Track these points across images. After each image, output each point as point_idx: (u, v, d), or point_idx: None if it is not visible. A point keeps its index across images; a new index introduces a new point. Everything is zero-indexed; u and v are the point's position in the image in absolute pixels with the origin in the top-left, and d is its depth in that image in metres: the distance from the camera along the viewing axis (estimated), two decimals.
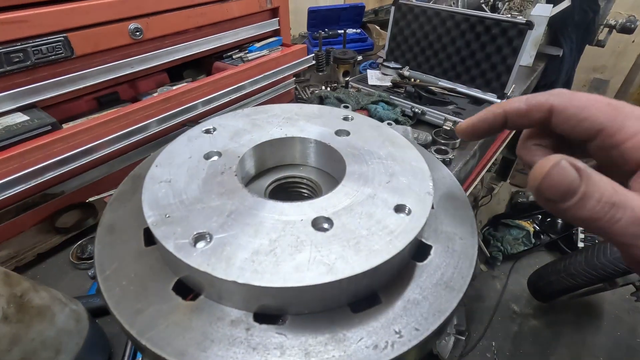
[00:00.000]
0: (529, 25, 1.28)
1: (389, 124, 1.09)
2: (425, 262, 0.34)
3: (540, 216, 3.21)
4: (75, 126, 0.82)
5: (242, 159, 0.40)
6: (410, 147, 0.42)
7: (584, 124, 0.28)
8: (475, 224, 0.38)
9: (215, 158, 0.40)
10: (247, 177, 0.43)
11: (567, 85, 2.17)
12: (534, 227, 3.10)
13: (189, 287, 0.32)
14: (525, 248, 2.98)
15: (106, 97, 1.03)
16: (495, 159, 3.04)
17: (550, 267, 2.23)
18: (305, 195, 0.45)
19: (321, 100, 1.39)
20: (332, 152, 0.42)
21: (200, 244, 0.30)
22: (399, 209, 0.34)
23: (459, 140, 1.25)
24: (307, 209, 0.33)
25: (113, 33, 0.91)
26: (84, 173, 0.92)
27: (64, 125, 0.92)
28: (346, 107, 1.15)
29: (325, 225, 0.32)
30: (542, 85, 2.08)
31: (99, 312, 0.71)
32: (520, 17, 1.31)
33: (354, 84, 1.55)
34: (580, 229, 3.01)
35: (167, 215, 0.32)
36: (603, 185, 0.22)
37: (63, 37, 0.83)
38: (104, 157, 0.90)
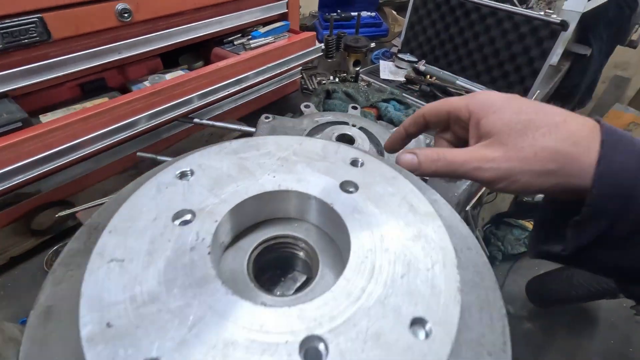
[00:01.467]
0: (564, 26, 1.15)
1: None
2: None
3: None
4: (52, 122, 0.73)
5: (220, 224, 0.31)
6: (433, 217, 0.33)
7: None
8: (508, 329, 0.30)
9: (187, 217, 0.32)
10: (225, 243, 0.35)
11: (591, 88, 2.03)
12: None
13: None
14: (526, 249, 2.93)
15: (91, 84, 0.93)
16: None
17: (552, 275, 2.18)
18: (301, 257, 0.37)
19: (328, 95, 1.29)
20: (335, 217, 0.34)
21: None
22: (416, 324, 0.26)
23: None
24: (295, 322, 0.25)
25: (97, 14, 0.80)
26: (63, 170, 0.84)
27: (42, 116, 0.83)
28: (355, 107, 1.05)
29: (320, 348, 0.24)
30: (565, 86, 1.94)
31: None
32: (554, 15, 1.18)
33: (365, 77, 1.44)
34: None
35: (109, 324, 0.24)
36: (429, 155, 0.40)
37: (37, 18, 0.72)
38: (88, 155, 0.82)
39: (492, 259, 2.82)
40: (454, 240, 0.34)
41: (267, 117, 0.92)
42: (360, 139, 0.83)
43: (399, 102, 1.29)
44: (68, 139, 0.74)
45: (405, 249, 0.31)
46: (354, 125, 0.89)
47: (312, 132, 0.87)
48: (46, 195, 0.84)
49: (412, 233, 0.32)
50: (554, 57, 1.81)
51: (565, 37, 1.73)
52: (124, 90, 0.95)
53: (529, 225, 2.90)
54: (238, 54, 1.07)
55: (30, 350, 0.27)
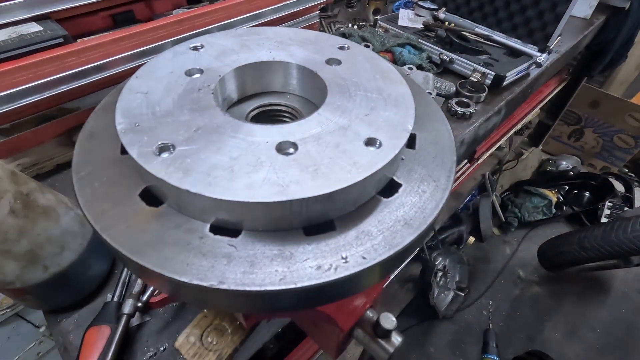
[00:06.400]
0: None
1: (409, 68, 1.02)
2: (390, 198, 0.33)
3: (567, 187, 3.06)
4: (87, 41, 0.82)
5: (222, 79, 0.39)
6: (401, 82, 0.39)
7: None
8: (454, 169, 0.37)
9: (196, 75, 0.39)
10: (229, 100, 0.42)
11: (627, 47, 1.92)
12: (557, 198, 2.97)
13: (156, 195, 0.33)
14: (544, 217, 2.89)
15: (121, 15, 1.01)
16: (530, 122, 2.84)
17: (564, 238, 2.18)
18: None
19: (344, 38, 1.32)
20: (317, 80, 0.40)
21: (165, 154, 0.30)
22: (370, 142, 0.32)
23: (484, 94, 1.17)
24: (274, 133, 0.32)
25: None
26: (98, 91, 0.94)
27: (79, 41, 0.92)
28: (367, 46, 1.08)
29: (290, 150, 0.31)
30: (598, 42, 1.85)
31: None
32: None
33: (383, 24, 1.44)
34: (606, 204, 2.88)
35: (137, 125, 0.32)
36: None
37: None
38: (118, 75, 0.91)
39: (507, 225, 2.81)
40: (421, 109, 0.40)
41: None
42: None
43: (414, 47, 1.31)
44: (102, 57, 0.83)
45: (373, 100, 0.37)
46: None
47: None
48: (84, 113, 0.94)
49: (381, 91, 0.38)
50: (586, 8, 1.73)
51: None
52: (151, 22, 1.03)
53: (550, 194, 2.84)
54: None
55: (79, 155, 0.36)
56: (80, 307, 0.65)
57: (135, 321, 0.62)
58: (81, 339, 0.57)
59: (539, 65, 1.25)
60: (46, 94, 0.78)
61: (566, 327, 2.33)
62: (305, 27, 1.37)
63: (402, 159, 0.37)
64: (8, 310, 1.29)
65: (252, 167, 0.29)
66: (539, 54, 1.25)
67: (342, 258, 0.28)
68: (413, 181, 0.35)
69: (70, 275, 0.60)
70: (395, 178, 0.35)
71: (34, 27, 0.79)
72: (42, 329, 1.40)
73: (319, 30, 1.52)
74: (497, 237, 2.87)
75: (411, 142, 0.38)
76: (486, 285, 2.50)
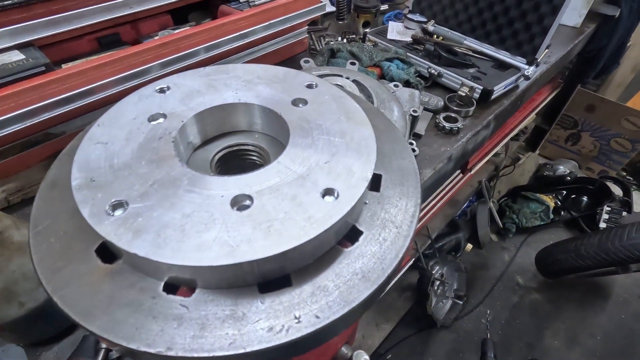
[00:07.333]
0: None
1: (395, 85, 1.02)
2: (350, 248, 0.33)
3: (565, 192, 3.05)
4: (70, 68, 0.82)
5: (184, 125, 0.38)
6: (365, 124, 0.39)
7: None
8: (418, 213, 0.36)
9: (160, 120, 0.39)
10: (193, 144, 0.42)
11: (619, 53, 1.92)
12: (555, 203, 2.95)
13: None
14: (542, 223, 2.87)
15: (107, 38, 1.01)
16: (526, 127, 2.83)
17: (560, 246, 2.17)
18: (258, 163, 0.44)
19: (332, 54, 1.32)
20: (282, 123, 0.40)
21: (118, 212, 0.30)
22: (328, 192, 0.32)
23: (472, 108, 1.17)
24: (231, 185, 0.32)
25: None
26: (85, 114, 0.94)
27: (64, 66, 0.93)
28: (353, 63, 1.08)
29: (246, 203, 0.31)
30: (590, 50, 1.85)
31: None
32: None
33: (372, 37, 1.45)
34: (605, 209, 2.85)
35: (92, 180, 0.32)
36: None
37: None
38: (105, 99, 0.91)
39: (505, 231, 2.79)
40: (390, 147, 0.40)
41: None
42: (350, 88, 0.88)
43: (403, 61, 1.31)
44: (86, 82, 0.83)
45: (335, 145, 0.37)
46: (347, 78, 0.93)
47: None
48: (70, 137, 0.94)
49: (344, 134, 0.38)
50: (576, 17, 1.73)
51: None
52: (137, 44, 1.03)
53: (548, 199, 2.82)
54: (242, 11, 1.12)
55: (39, 207, 0.35)
56: (59, 340, 0.64)
57: (114, 353, 0.62)
58: None
59: (527, 78, 1.25)
60: (29, 122, 0.78)
61: (566, 334, 2.30)
62: (294, 42, 1.38)
63: (366, 203, 0.37)
64: None
65: (204, 226, 0.29)
66: (526, 66, 1.25)
67: (295, 318, 0.28)
68: (375, 228, 0.35)
69: (47, 309, 0.60)
70: (357, 225, 0.35)
71: (17, 56, 0.80)
72: None
73: (309, 44, 1.52)
74: (495, 243, 2.86)
75: (376, 184, 0.38)
76: (484, 293, 2.48)
